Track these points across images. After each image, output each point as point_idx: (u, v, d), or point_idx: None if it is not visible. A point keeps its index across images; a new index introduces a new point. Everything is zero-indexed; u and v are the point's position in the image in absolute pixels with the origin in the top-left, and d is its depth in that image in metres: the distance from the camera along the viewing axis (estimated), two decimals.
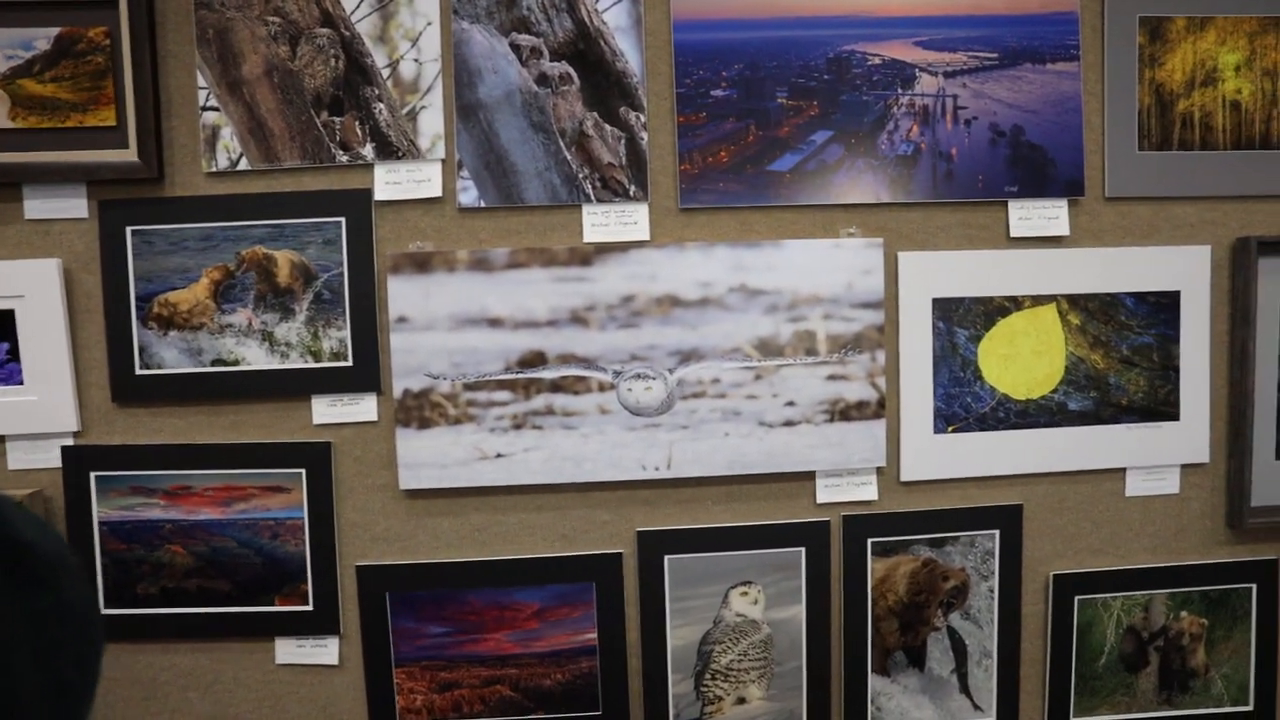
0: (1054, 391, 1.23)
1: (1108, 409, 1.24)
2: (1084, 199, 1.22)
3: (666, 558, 1.18)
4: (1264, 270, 1.26)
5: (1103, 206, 1.23)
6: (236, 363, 1.13)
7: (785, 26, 1.17)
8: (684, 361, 1.16)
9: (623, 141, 1.15)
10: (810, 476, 1.20)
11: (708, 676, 1.20)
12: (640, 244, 1.15)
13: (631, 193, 1.15)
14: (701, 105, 1.15)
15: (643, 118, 1.15)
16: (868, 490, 1.20)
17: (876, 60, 1.18)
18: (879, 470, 1.20)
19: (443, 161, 1.13)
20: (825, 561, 1.20)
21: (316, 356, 1.14)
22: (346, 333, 1.13)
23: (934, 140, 1.19)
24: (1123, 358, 1.24)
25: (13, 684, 0.34)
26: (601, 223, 1.15)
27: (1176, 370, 1.25)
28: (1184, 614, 1.28)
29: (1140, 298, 1.24)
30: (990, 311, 1.21)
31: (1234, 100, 1.25)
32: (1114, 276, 1.23)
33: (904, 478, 1.21)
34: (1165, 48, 1.23)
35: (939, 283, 1.20)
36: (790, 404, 1.17)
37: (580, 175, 1.15)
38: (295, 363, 1.14)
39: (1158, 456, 1.26)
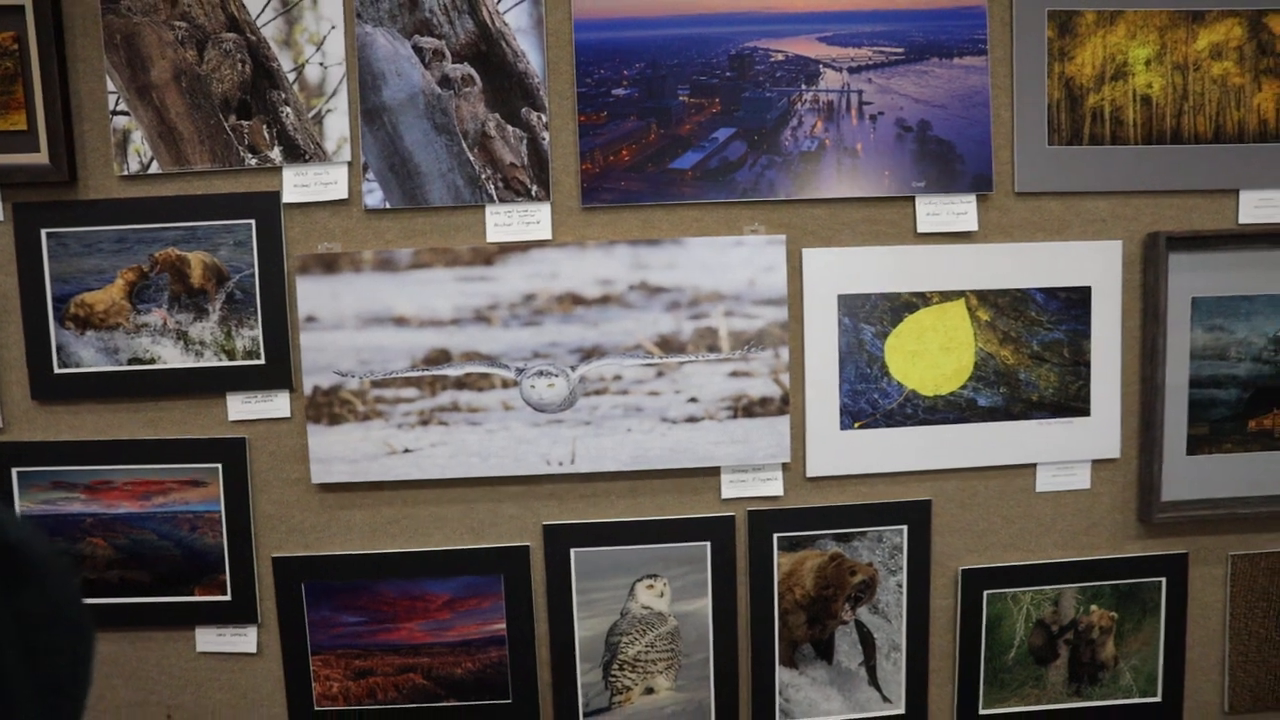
0: (963, 388, 1.23)
1: (1018, 405, 1.24)
2: (993, 194, 1.21)
3: (573, 550, 1.20)
4: (1174, 266, 1.25)
5: (1013, 202, 1.22)
6: (153, 361, 1.16)
7: (687, 24, 1.17)
8: (586, 359, 1.17)
9: (524, 142, 1.16)
10: (716, 472, 1.21)
11: (615, 667, 1.23)
12: (541, 243, 1.16)
13: (534, 192, 1.16)
14: (603, 104, 1.16)
15: (544, 118, 1.16)
16: (773, 486, 1.22)
17: (779, 56, 1.18)
18: (784, 466, 1.21)
19: (349, 164, 1.15)
20: (731, 556, 1.22)
21: (230, 355, 1.17)
22: (259, 332, 1.16)
23: (839, 136, 1.19)
24: (1033, 353, 1.24)
25: (4, 684, 0.35)
26: (504, 222, 1.17)
27: (1087, 366, 1.25)
28: (1094, 607, 1.28)
29: (1051, 293, 1.23)
30: (897, 308, 1.21)
31: (1145, 95, 1.23)
32: (1024, 272, 1.23)
33: (810, 473, 1.22)
34: (1075, 42, 1.21)
35: (845, 279, 1.20)
36: (693, 400, 1.19)
37: (483, 176, 1.16)
38: (210, 361, 1.17)
39: (1069, 452, 1.26)
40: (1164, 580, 1.29)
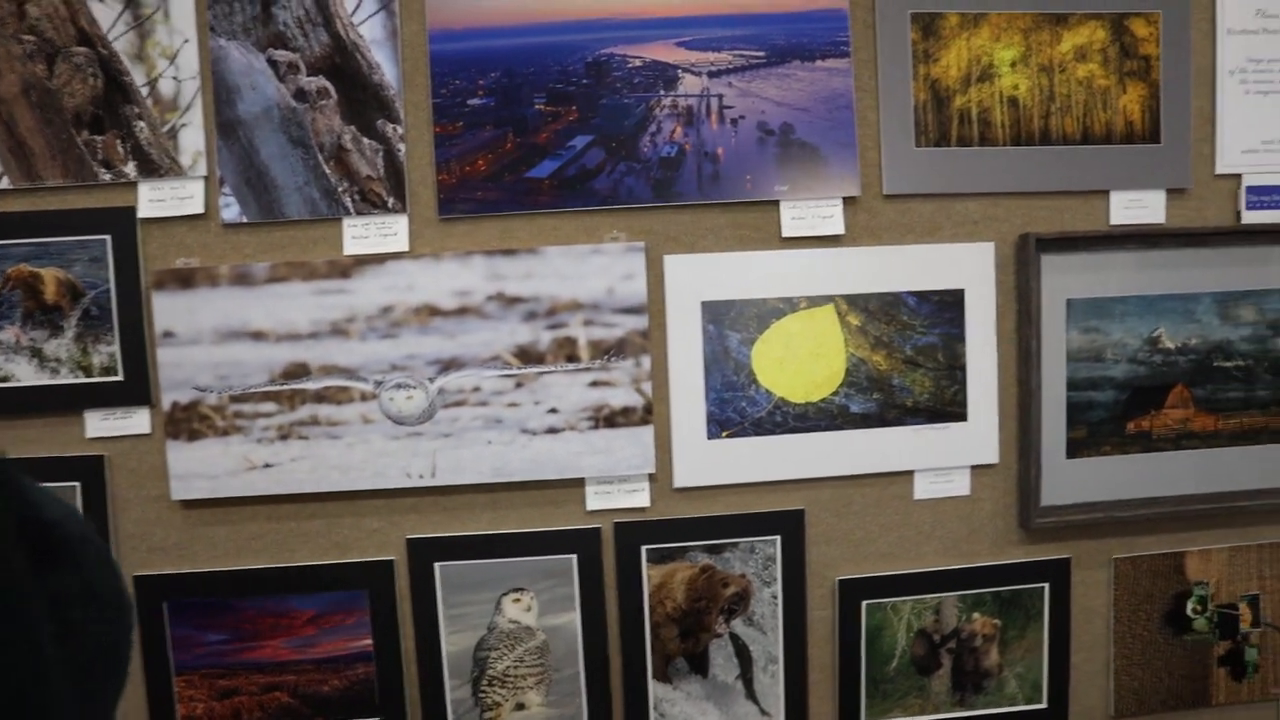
0: (834, 394, 1.22)
1: (892, 411, 1.23)
2: (861, 197, 1.20)
3: (437, 565, 1.19)
4: (1047, 267, 1.23)
5: (881, 204, 1.21)
6: (6, 379, 1.15)
7: (542, 32, 1.16)
8: (444, 370, 1.16)
9: (381, 154, 1.15)
10: (580, 483, 1.19)
11: (485, 683, 1.21)
12: (397, 255, 1.16)
13: (390, 204, 1.15)
14: (458, 114, 1.15)
15: (400, 129, 1.15)
16: (640, 497, 1.20)
17: (637, 62, 1.18)
18: (651, 477, 1.20)
19: (205, 178, 1.15)
20: (598, 568, 1.20)
21: (87, 372, 1.16)
22: (116, 348, 1.15)
23: (699, 141, 1.18)
24: (906, 358, 1.22)
25: (38, 664, 0.34)
26: (362, 235, 1.16)
27: (963, 370, 1.23)
28: (976, 615, 1.26)
29: (923, 297, 1.22)
30: (764, 314, 1.20)
31: (1011, 96, 1.22)
32: (895, 275, 1.21)
33: (677, 484, 1.20)
34: (939, 44, 1.21)
35: (708, 285, 1.19)
36: (553, 411, 1.17)
37: (340, 189, 1.15)
38: (66, 378, 1.16)
39: (946, 458, 1.24)
40: (1046, 586, 1.27)
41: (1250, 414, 1.30)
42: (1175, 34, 1.25)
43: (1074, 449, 1.27)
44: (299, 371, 1.16)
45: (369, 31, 1.15)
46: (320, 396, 1.17)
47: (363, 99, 1.15)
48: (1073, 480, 1.27)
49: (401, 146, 1.15)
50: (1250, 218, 1.28)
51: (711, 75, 1.18)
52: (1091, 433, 1.27)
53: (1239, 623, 1.32)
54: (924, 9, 1.20)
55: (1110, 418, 1.27)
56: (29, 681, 0.34)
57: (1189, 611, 1.31)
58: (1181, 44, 1.25)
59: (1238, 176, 1.27)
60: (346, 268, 1.15)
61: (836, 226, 1.20)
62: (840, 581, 1.23)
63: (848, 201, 1.20)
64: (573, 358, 1.17)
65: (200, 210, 1.15)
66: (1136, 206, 1.26)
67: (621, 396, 1.18)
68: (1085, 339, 1.26)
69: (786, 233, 1.19)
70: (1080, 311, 1.25)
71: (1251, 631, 1.33)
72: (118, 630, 0.42)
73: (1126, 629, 1.30)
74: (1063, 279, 1.24)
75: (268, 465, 1.16)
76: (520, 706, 1.21)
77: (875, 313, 1.21)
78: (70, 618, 0.38)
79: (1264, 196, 1.28)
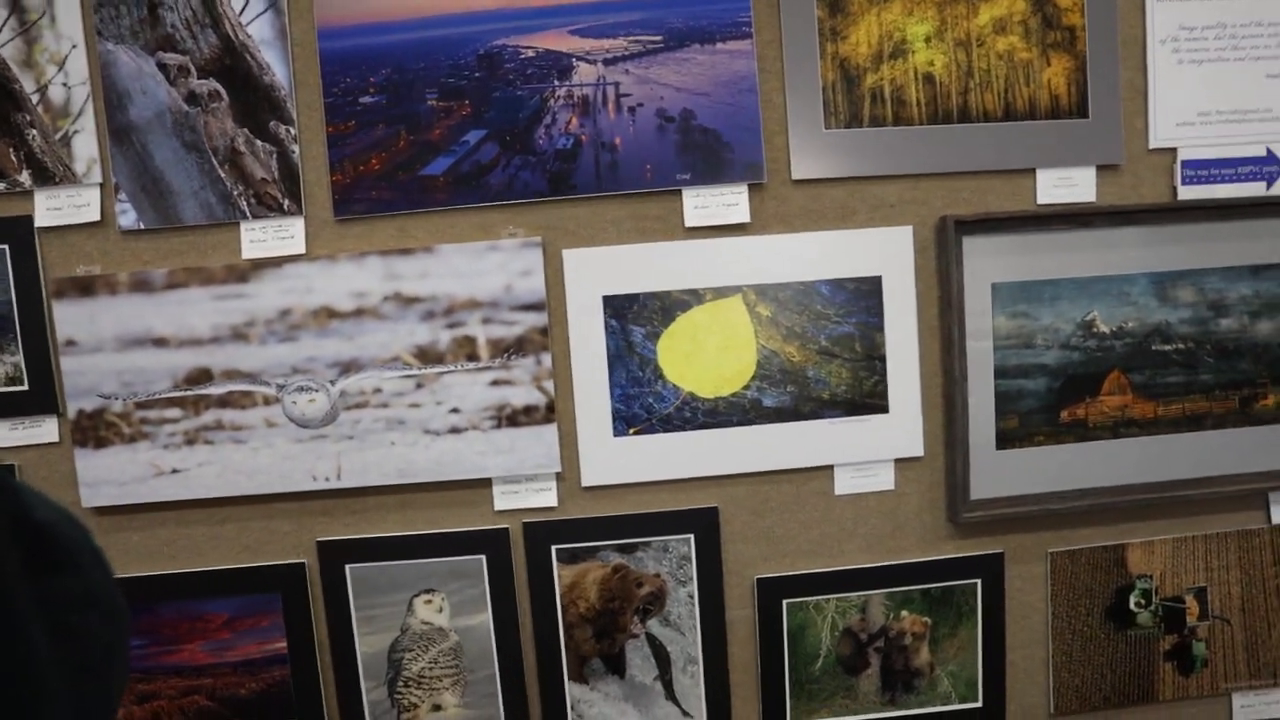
0: (746, 388, 1.18)
1: (808, 404, 1.19)
2: (768, 183, 1.16)
3: (348, 567, 1.18)
4: (970, 251, 1.18)
5: (790, 190, 1.17)
6: None
7: (432, 26, 1.14)
8: (344, 372, 1.15)
9: (275, 156, 1.14)
10: (488, 483, 1.18)
11: (400, 684, 1.20)
12: (294, 258, 1.14)
13: (286, 207, 1.14)
14: (350, 113, 1.13)
15: (293, 130, 1.13)
16: (547, 496, 1.18)
17: (530, 53, 1.14)
18: (559, 476, 1.18)
19: (100, 185, 1.15)
20: (508, 569, 1.18)
21: None
22: (20, 358, 1.16)
23: (595, 131, 1.15)
24: (821, 349, 1.18)
25: (35, 667, 0.34)
26: (259, 238, 1.15)
27: (882, 360, 1.19)
28: (905, 613, 1.22)
29: (837, 285, 1.18)
30: (668, 307, 1.16)
31: (927, 73, 1.17)
32: (806, 264, 1.17)
33: (585, 483, 1.18)
34: (847, 21, 1.15)
35: (610, 279, 1.16)
36: (455, 411, 1.16)
37: (235, 192, 1.14)
38: None
39: (868, 452, 1.20)
40: (979, 582, 1.23)
41: (1192, 399, 1.24)
42: (1101, 3, 1.18)
43: (1004, 439, 1.21)
44: (201, 377, 1.16)
45: (257, 31, 1.13)
46: (224, 401, 1.16)
47: (254, 101, 1.14)
48: (1004, 472, 1.22)
49: (295, 148, 1.14)
50: (1187, 193, 1.21)
51: (607, 63, 1.15)
52: (1023, 422, 1.22)
53: (1185, 616, 1.27)
54: None
55: (1043, 406, 1.22)
56: (22, 682, 0.34)
57: (1132, 605, 1.26)
58: (1108, 13, 1.18)
59: (1173, 151, 1.21)
60: (244, 272, 1.14)
61: (742, 215, 1.16)
62: (759, 580, 1.20)
63: (754, 188, 1.16)
64: (472, 357, 1.15)
65: (97, 218, 1.15)
66: (1066, 185, 1.20)
67: (523, 395, 1.15)
68: (1013, 324, 1.20)
69: (690, 222, 1.15)
70: (1007, 296, 1.20)
71: (1199, 625, 1.27)
72: (115, 632, 0.42)
73: (1065, 624, 1.25)
74: (987, 262, 1.19)
75: (175, 471, 1.16)
76: (437, 708, 1.21)
77: (787, 303, 1.17)
78: (70, 621, 0.38)
79: (1201, 171, 1.21)
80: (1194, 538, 1.26)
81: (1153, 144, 1.21)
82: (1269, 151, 1.22)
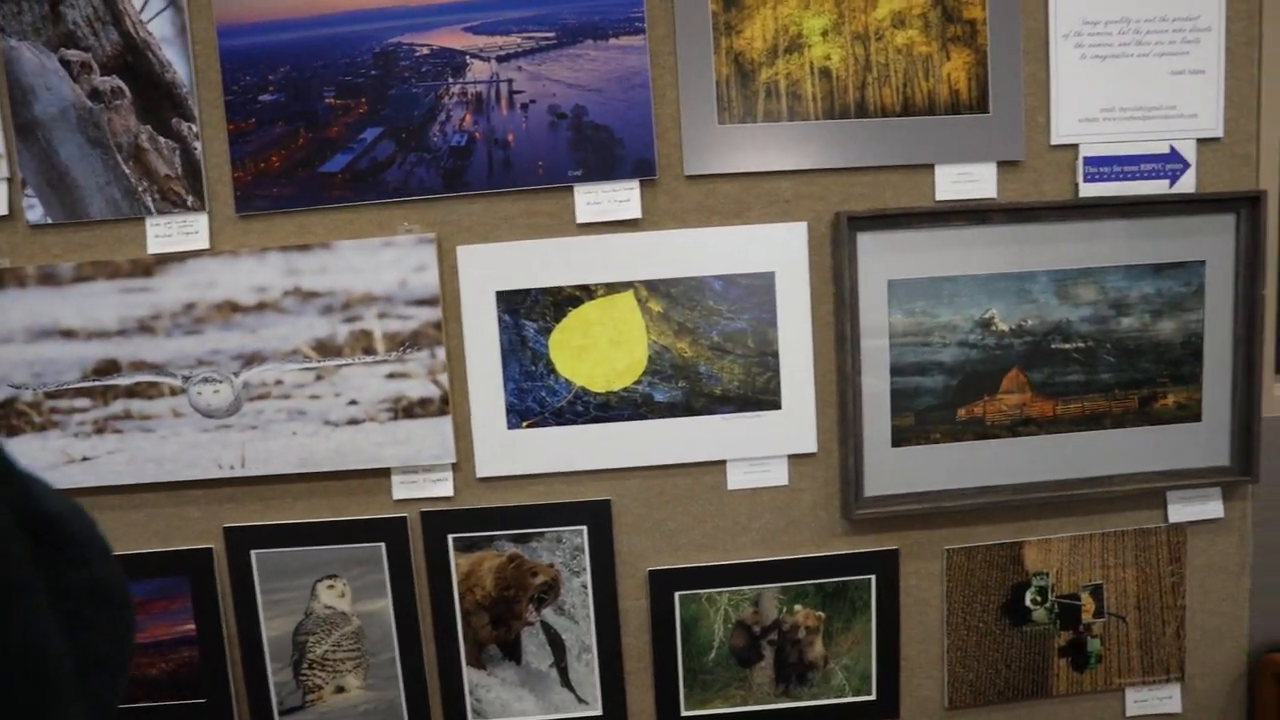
0: (637, 383, 1.19)
1: (699, 399, 1.20)
2: (662, 179, 1.17)
3: (254, 552, 1.22)
4: (866, 247, 1.18)
5: (683, 186, 1.17)
6: None
7: (330, 24, 1.15)
8: (247, 364, 1.18)
9: (178, 152, 1.16)
10: (387, 473, 1.21)
11: (305, 666, 1.24)
12: (198, 253, 1.17)
13: (190, 203, 1.17)
14: (250, 111, 1.15)
15: (195, 127, 1.16)
16: (444, 486, 1.20)
17: (425, 50, 1.15)
18: (455, 466, 1.20)
19: (8, 180, 1.18)
20: (406, 556, 1.21)
21: None
22: None
23: (489, 128, 1.16)
24: (713, 345, 1.19)
25: (48, 661, 0.34)
26: (164, 234, 1.17)
27: (775, 356, 1.20)
28: (798, 607, 1.24)
29: (729, 280, 1.18)
30: (560, 302, 1.18)
31: (824, 67, 1.16)
32: (698, 259, 1.18)
33: (480, 474, 1.20)
34: (742, 14, 1.15)
35: (503, 275, 1.17)
36: (353, 403, 1.18)
37: (140, 188, 1.17)
38: None
39: (760, 447, 1.21)
40: (873, 578, 1.24)
41: (1092, 398, 1.23)
42: None
43: (900, 437, 1.22)
44: (110, 368, 1.19)
45: (158, 29, 1.15)
46: (132, 392, 1.20)
47: (157, 98, 1.16)
48: (899, 469, 1.22)
49: (198, 145, 1.16)
50: (1089, 190, 1.20)
51: (500, 60, 1.15)
52: (919, 420, 1.22)
53: (1081, 613, 1.27)
54: None
55: (940, 404, 1.22)
56: (37, 675, 0.34)
57: (1028, 602, 1.27)
58: (1009, 7, 1.17)
59: (1075, 147, 1.19)
60: (149, 266, 1.17)
61: (633, 211, 1.16)
62: (651, 572, 1.22)
63: (646, 184, 1.17)
64: (369, 350, 1.18)
65: (5, 212, 1.18)
66: (965, 181, 1.19)
67: (418, 388, 1.18)
68: (910, 321, 1.20)
69: (581, 219, 1.17)
70: (904, 293, 1.20)
71: (1094, 622, 1.27)
72: (123, 624, 0.42)
73: (961, 620, 1.26)
74: (883, 259, 1.19)
75: (86, 458, 1.20)
76: (340, 689, 1.25)
77: (678, 299, 1.18)
78: (80, 612, 0.38)
79: (1103, 168, 1.19)
80: (1091, 536, 1.26)
81: (1055, 140, 1.20)
82: (1172, 149, 1.20)
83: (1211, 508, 1.27)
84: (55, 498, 0.40)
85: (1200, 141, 1.21)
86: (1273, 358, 1.27)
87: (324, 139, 1.16)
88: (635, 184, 1.16)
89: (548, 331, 1.18)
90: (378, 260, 1.16)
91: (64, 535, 0.39)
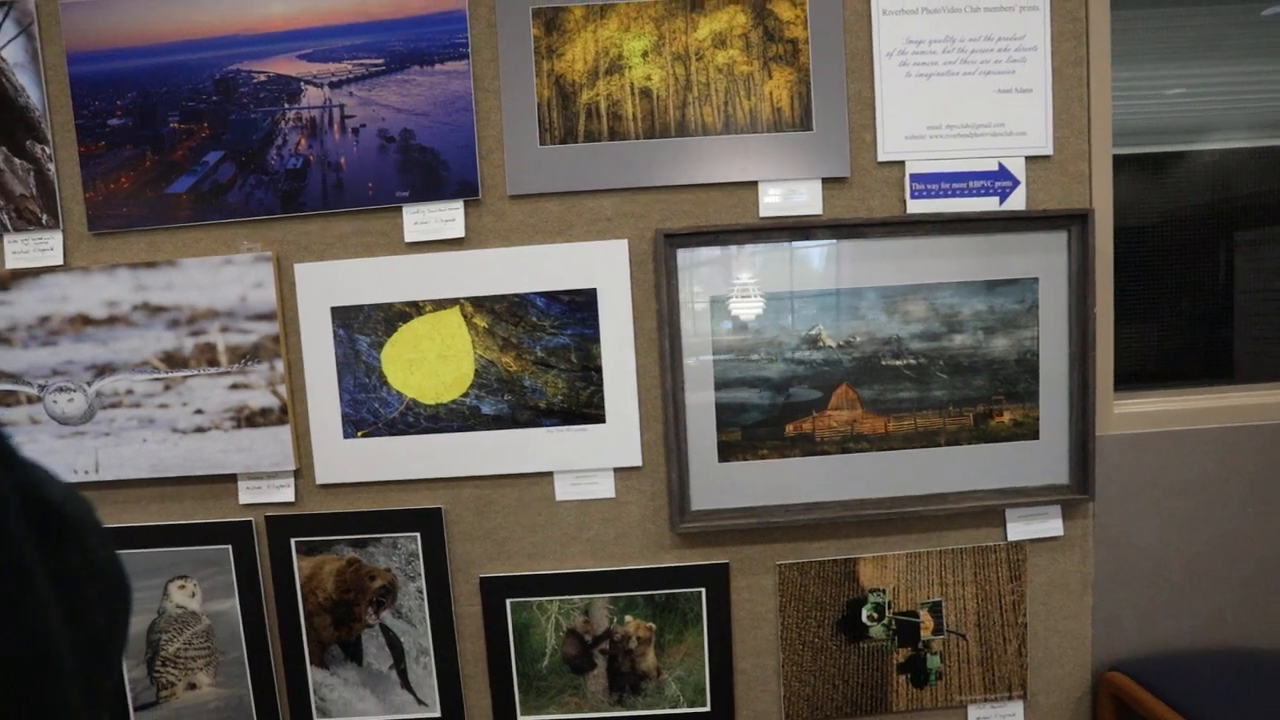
0: (465, 395, 1.23)
1: (525, 412, 1.23)
2: (485, 199, 1.20)
3: None
4: (687, 263, 1.20)
5: (508, 205, 1.21)
6: None
7: (174, 51, 1.21)
8: (100, 375, 1.25)
9: (32, 173, 1.24)
10: (233, 478, 1.26)
11: (158, 663, 1.30)
12: (53, 269, 1.24)
13: (44, 221, 1.24)
14: (100, 134, 1.22)
15: (48, 150, 1.23)
16: (286, 493, 1.25)
17: (262, 77, 1.21)
18: (297, 473, 1.25)
19: None
20: (252, 558, 1.27)
21: None
22: None
23: (323, 151, 1.20)
24: (537, 360, 1.22)
25: (51, 647, 0.35)
26: (22, 250, 1.25)
27: (599, 371, 1.22)
28: (629, 618, 1.26)
29: (552, 297, 1.21)
30: (391, 318, 1.22)
31: (644, 87, 1.18)
32: (521, 276, 1.21)
33: (319, 480, 1.25)
34: (563, 38, 1.18)
35: (337, 291, 1.22)
36: (199, 412, 1.24)
37: None
38: None
39: (586, 460, 1.23)
40: (703, 590, 1.25)
41: (925, 415, 1.23)
42: (824, 16, 1.17)
43: (727, 452, 1.23)
44: None
45: (11, 55, 1.23)
46: None
47: (11, 121, 1.24)
48: (727, 484, 1.24)
49: (51, 166, 1.23)
50: (916, 207, 1.20)
51: (333, 86, 1.20)
52: (746, 435, 1.23)
53: (920, 630, 1.27)
54: (547, 4, 1.18)
55: (767, 420, 1.23)
56: (40, 660, 0.34)
57: (864, 619, 1.27)
58: (832, 26, 1.17)
59: (902, 164, 1.19)
60: (6, 280, 1.25)
61: (458, 230, 1.20)
62: (483, 579, 1.25)
63: (470, 204, 1.20)
64: (213, 362, 1.23)
65: None
66: (791, 197, 1.20)
67: (259, 398, 1.23)
68: (735, 338, 1.22)
69: (409, 238, 1.21)
70: (727, 309, 1.21)
71: (934, 639, 1.27)
72: (119, 607, 0.43)
73: (796, 635, 1.27)
74: (705, 275, 1.20)
75: None
76: (192, 686, 1.30)
77: (503, 314, 1.21)
78: (77, 597, 0.38)
79: (930, 185, 1.19)
80: (929, 553, 1.25)
81: (882, 157, 1.20)
82: (1001, 166, 1.19)
83: (1051, 525, 1.25)
84: (54, 484, 0.41)
85: (1030, 159, 1.20)
86: (1110, 375, 1.25)
87: (170, 161, 1.22)
88: (460, 204, 1.20)
89: (380, 346, 1.23)
90: (219, 277, 1.22)
91: (64, 520, 0.39)
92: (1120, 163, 1.33)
